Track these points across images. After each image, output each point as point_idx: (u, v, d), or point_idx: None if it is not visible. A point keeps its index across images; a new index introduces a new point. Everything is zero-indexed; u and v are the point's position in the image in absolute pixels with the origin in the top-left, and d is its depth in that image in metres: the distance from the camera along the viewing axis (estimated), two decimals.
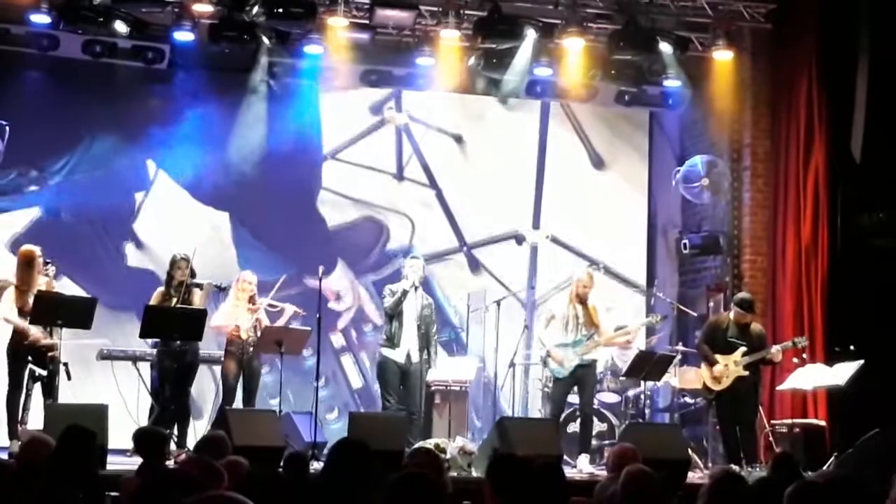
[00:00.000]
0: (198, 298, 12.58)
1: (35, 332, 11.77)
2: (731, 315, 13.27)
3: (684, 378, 14.35)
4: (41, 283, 12.06)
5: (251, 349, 12.72)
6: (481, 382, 14.80)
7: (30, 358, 11.74)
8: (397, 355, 12.82)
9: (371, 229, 15.85)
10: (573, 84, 15.37)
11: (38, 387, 11.81)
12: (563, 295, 13.39)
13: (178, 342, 12.41)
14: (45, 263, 12.19)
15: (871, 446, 11.81)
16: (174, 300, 12.44)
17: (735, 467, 11.57)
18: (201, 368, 13.19)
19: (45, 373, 11.74)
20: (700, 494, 5.49)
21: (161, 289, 12.64)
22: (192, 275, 12.59)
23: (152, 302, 12.50)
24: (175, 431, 12.28)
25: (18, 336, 11.84)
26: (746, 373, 12.98)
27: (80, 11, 13.52)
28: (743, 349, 12.97)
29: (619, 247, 16.21)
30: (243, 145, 15.23)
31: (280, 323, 12.95)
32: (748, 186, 15.33)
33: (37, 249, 12.21)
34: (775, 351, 13.08)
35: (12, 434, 11.61)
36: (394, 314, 12.86)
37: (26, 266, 12.04)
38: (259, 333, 12.74)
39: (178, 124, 15.11)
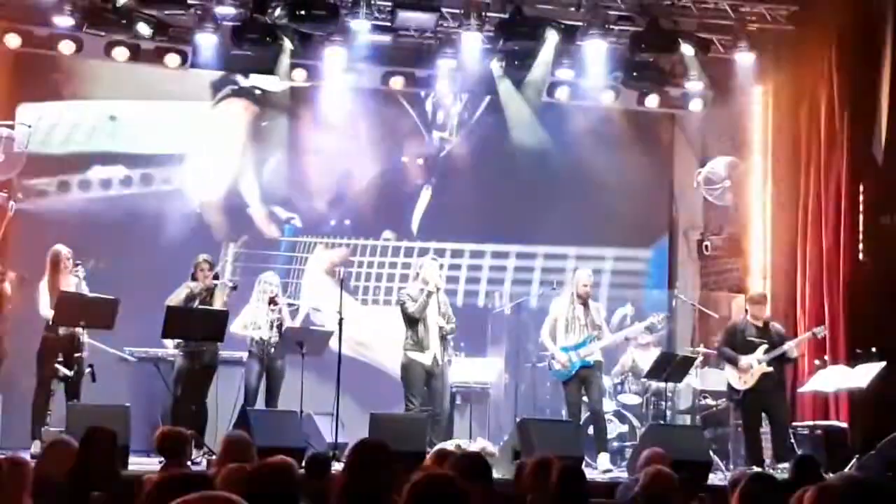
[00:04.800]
0: (219, 300, 12.64)
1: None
2: (748, 315, 13.27)
3: (707, 379, 14.36)
4: (72, 283, 12.12)
5: (273, 350, 12.78)
6: (502, 383, 14.78)
7: (60, 357, 11.82)
8: (426, 358, 12.77)
9: None
10: (594, 86, 15.36)
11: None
12: (563, 297, 13.34)
13: (196, 343, 12.45)
14: (76, 265, 12.26)
15: (892, 448, 11.79)
16: (196, 301, 12.49)
17: (757, 469, 11.53)
18: (227, 369, 13.22)
19: (70, 373, 11.82)
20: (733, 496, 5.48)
21: (188, 285, 12.66)
22: (216, 276, 12.67)
23: (174, 300, 12.54)
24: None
25: (47, 337, 11.92)
26: (771, 369, 12.95)
27: (103, 14, 13.57)
28: (765, 346, 12.95)
29: (640, 248, 16.18)
30: None
31: (297, 321, 13.03)
32: (770, 188, 15.30)
33: (63, 250, 12.28)
34: (793, 344, 13.07)
35: (35, 435, 11.66)
36: (420, 318, 12.80)
37: (52, 267, 12.14)
38: (280, 333, 12.81)
39: None
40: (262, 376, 12.80)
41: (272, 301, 12.89)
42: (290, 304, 13.22)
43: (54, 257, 12.23)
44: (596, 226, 15.97)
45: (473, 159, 15.94)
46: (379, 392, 14.30)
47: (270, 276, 13.18)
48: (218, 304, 12.60)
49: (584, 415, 13.25)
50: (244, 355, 12.99)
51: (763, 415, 13.10)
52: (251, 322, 12.86)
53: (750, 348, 12.99)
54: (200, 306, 12.50)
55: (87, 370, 11.97)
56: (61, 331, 11.93)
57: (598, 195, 15.93)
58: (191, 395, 12.46)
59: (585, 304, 13.15)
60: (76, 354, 11.87)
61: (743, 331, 13.16)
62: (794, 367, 13.54)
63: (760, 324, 13.13)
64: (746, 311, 13.44)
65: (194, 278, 12.66)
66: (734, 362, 13.05)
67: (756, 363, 12.92)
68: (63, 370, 11.80)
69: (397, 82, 15.31)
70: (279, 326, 12.87)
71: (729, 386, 13.33)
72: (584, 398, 13.16)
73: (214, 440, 11.93)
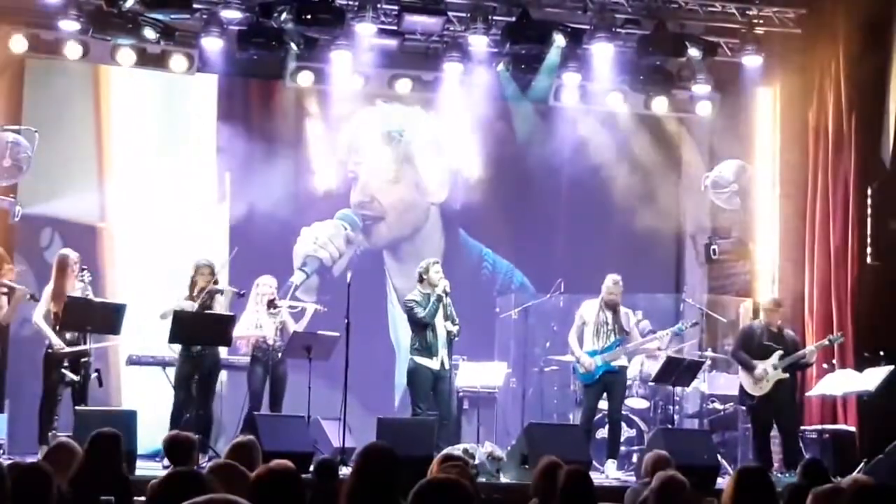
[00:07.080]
0: (219, 305, 12.59)
1: (58, 342, 11.85)
2: (762, 320, 13.25)
3: (715, 383, 14.33)
4: (77, 289, 12.10)
5: (278, 354, 12.73)
6: (509, 388, 14.74)
7: (66, 364, 11.81)
8: (433, 363, 12.70)
9: None
10: (602, 89, 15.34)
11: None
12: (594, 301, 13.28)
13: (198, 347, 12.39)
14: (82, 269, 12.23)
15: None
16: (196, 306, 12.43)
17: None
18: (234, 374, 13.20)
19: (77, 378, 11.81)
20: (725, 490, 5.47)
21: (183, 294, 12.60)
22: (216, 281, 12.59)
23: (172, 307, 12.48)
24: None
25: (54, 343, 11.92)
26: (786, 375, 12.95)
27: (109, 18, 13.55)
28: (780, 352, 12.91)
29: (648, 253, 16.12)
30: None
31: (303, 322, 12.99)
32: (778, 192, 15.27)
33: (70, 254, 12.27)
34: (810, 351, 13.09)
35: (42, 440, 11.65)
36: (431, 322, 12.72)
37: (59, 271, 12.12)
38: (285, 337, 12.77)
39: None
40: (266, 381, 12.76)
41: (271, 304, 12.85)
42: (291, 307, 13.17)
43: (62, 261, 12.20)
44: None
45: (484, 174, 15.96)
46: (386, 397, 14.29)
47: (267, 278, 13.11)
48: (218, 310, 12.55)
49: (596, 419, 13.22)
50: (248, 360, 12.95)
51: (773, 421, 13.09)
52: (253, 325, 12.82)
53: (766, 353, 12.95)
54: (207, 311, 12.46)
55: (94, 374, 11.97)
56: (68, 336, 11.92)
57: (604, 199, 15.93)
58: (195, 399, 12.41)
59: (615, 310, 13.08)
60: (82, 359, 11.86)
61: (760, 335, 13.13)
62: (801, 371, 13.49)
63: (775, 329, 13.11)
64: (761, 316, 13.43)
65: (193, 282, 12.57)
66: (750, 368, 13.00)
67: (772, 369, 12.89)
68: (69, 375, 11.80)
69: (404, 86, 15.33)
70: (282, 330, 12.85)
71: (742, 391, 13.28)
72: (605, 404, 13.14)
73: (221, 446, 11.92)
